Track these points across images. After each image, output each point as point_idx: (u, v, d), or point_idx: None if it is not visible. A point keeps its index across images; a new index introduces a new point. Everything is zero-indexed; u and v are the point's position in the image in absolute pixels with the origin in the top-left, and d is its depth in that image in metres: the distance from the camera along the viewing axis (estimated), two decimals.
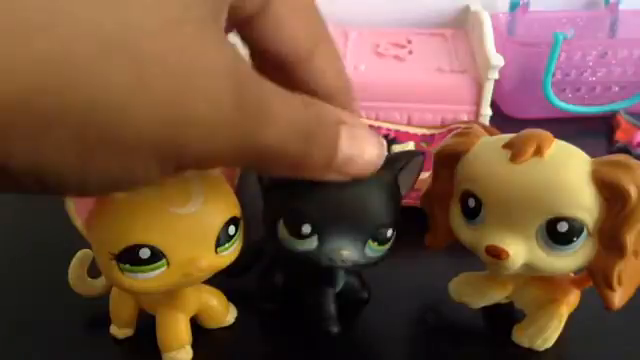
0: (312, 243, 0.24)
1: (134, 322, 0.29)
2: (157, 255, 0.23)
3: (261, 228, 0.26)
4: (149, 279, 0.23)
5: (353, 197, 0.23)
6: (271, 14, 0.20)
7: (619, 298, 0.24)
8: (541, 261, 0.24)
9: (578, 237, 0.23)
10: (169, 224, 0.23)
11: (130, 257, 0.23)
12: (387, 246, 0.25)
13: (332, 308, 0.29)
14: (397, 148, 0.41)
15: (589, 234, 0.23)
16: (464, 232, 0.26)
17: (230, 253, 0.25)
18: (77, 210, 0.23)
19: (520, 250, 0.24)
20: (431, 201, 0.28)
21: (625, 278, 0.24)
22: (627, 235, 0.23)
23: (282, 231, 0.25)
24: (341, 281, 0.30)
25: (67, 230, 0.24)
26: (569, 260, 0.24)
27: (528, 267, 0.24)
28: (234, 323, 0.31)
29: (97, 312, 0.30)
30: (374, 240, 0.24)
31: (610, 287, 0.24)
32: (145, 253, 0.23)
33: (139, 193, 0.23)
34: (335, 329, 0.29)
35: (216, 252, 0.24)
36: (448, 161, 0.26)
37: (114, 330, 0.29)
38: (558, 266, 0.24)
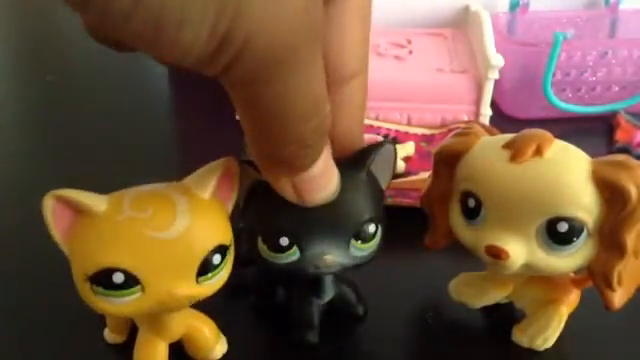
0: (294, 254, 0.24)
1: (125, 330, 0.29)
2: (131, 280, 0.21)
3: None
4: (122, 304, 0.22)
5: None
6: (340, 10, 0.20)
7: (619, 298, 0.24)
8: (541, 261, 0.24)
9: (578, 237, 0.23)
10: (146, 249, 0.21)
11: (103, 280, 0.22)
12: (374, 243, 0.25)
13: (314, 318, 0.28)
14: (397, 148, 0.41)
15: (589, 234, 0.23)
16: (464, 232, 0.26)
17: (214, 283, 0.23)
18: (56, 222, 0.22)
19: (520, 250, 0.24)
20: (431, 201, 0.28)
21: (625, 278, 0.24)
22: (627, 235, 0.23)
23: (262, 248, 0.24)
24: (329, 291, 0.29)
25: None
26: (569, 260, 0.24)
27: (528, 267, 0.24)
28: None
29: (96, 313, 0.30)
30: (357, 239, 0.24)
31: (610, 287, 0.24)
32: (119, 278, 0.21)
33: (119, 212, 0.22)
34: (313, 339, 0.28)
35: (197, 281, 0.23)
36: (448, 161, 0.26)
37: (107, 334, 0.29)
38: (558, 266, 0.24)
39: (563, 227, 0.23)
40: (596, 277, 0.24)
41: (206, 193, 0.23)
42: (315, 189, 0.22)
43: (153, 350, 0.26)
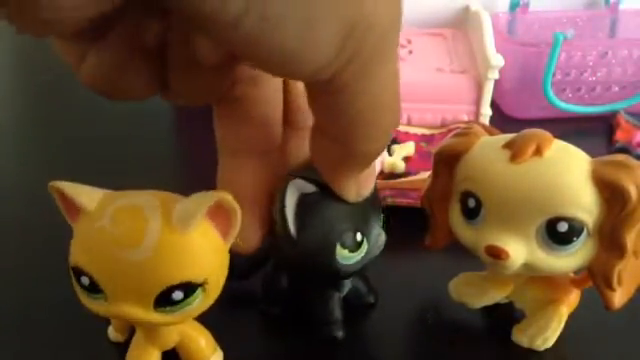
0: (364, 247, 0.25)
1: (126, 330, 0.29)
2: (95, 287, 0.22)
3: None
4: (94, 304, 0.22)
5: None
6: None
7: (619, 298, 0.24)
8: (541, 261, 0.24)
9: (578, 237, 0.23)
10: (109, 263, 0.21)
11: (76, 277, 0.22)
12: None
13: (338, 312, 0.29)
14: (397, 148, 0.41)
15: (589, 234, 0.23)
16: (464, 232, 0.26)
17: (174, 317, 0.22)
18: (65, 206, 0.23)
19: (520, 250, 0.24)
20: (431, 201, 0.28)
21: (625, 278, 0.24)
22: (627, 235, 0.23)
23: (341, 254, 0.25)
24: (347, 283, 0.29)
25: (66, 230, 0.24)
26: (569, 260, 0.24)
27: (528, 267, 0.24)
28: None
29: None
30: (382, 213, 0.26)
31: (610, 287, 0.24)
32: (85, 280, 0.22)
33: (100, 218, 0.21)
34: (340, 334, 0.29)
35: (156, 310, 0.22)
36: (448, 161, 0.26)
37: (110, 331, 0.29)
38: (558, 266, 0.24)
39: (563, 227, 0.23)
40: (596, 277, 0.24)
41: (186, 227, 0.21)
42: (370, 182, 0.24)
43: (147, 355, 0.26)
